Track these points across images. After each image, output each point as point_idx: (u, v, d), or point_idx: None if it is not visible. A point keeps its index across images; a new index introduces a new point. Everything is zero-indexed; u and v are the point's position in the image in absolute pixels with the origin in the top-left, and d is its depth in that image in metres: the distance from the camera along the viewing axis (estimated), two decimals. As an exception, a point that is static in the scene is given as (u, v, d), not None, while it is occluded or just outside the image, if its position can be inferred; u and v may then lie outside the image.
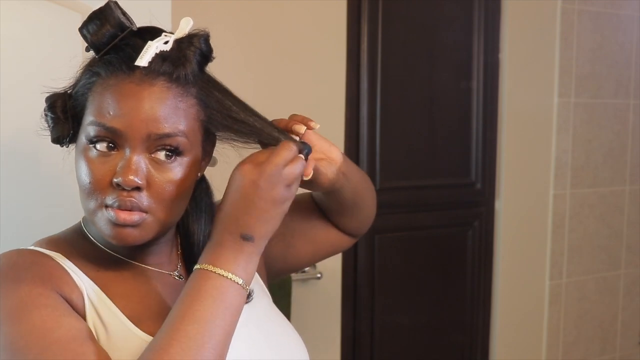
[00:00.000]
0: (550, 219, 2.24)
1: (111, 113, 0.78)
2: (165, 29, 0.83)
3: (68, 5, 1.27)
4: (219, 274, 0.79)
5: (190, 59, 0.81)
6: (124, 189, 0.78)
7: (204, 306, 0.76)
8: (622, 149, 2.38)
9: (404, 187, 2.01)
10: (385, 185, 1.95)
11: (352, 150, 1.90)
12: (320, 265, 1.86)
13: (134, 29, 0.82)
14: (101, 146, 0.79)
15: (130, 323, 0.81)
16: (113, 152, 0.79)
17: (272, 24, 1.74)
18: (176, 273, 0.91)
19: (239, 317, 0.80)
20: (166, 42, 0.80)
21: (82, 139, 0.81)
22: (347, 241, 1.14)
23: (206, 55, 0.84)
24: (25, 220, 1.25)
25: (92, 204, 0.80)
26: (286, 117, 0.93)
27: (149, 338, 0.80)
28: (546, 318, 2.27)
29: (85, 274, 0.83)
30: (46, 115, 0.85)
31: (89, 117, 0.80)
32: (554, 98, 2.21)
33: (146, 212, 0.80)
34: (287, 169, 0.81)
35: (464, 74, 2.08)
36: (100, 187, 0.79)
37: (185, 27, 0.82)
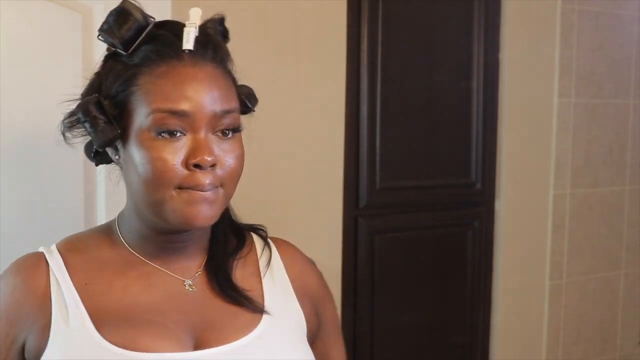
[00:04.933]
0: (550, 219, 2.24)
1: (177, 96, 0.79)
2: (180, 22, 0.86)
3: (68, 5, 1.27)
4: None
5: (219, 41, 0.86)
6: (199, 170, 0.80)
7: None
8: (622, 149, 2.38)
9: (404, 187, 2.01)
10: (385, 185, 1.95)
11: (352, 150, 1.89)
12: (320, 265, 1.85)
13: (155, 21, 0.84)
14: (165, 133, 0.80)
15: (95, 331, 0.82)
16: (178, 137, 0.80)
17: (272, 24, 1.74)
18: (189, 282, 0.89)
19: None
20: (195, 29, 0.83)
21: (143, 131, 0.80)
22: None
23: (226, 36, 0.89)
24: (22, 222, 1.25)
25: (162, 191, 0.80)
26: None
27: (106, 344, 0.80)
28: (546, 318, 2.27)
29: (75, 277, 0.85)
30: (83, 122, 0.83)
31: (147, 108, 0.80)
32: (554, 98, 2.21)
33: (219, 188, 0.82)
34: None
35: (464, 74, 2.08)
36: (172, 173, 0.80)
37: (196, 15, 0.84)
